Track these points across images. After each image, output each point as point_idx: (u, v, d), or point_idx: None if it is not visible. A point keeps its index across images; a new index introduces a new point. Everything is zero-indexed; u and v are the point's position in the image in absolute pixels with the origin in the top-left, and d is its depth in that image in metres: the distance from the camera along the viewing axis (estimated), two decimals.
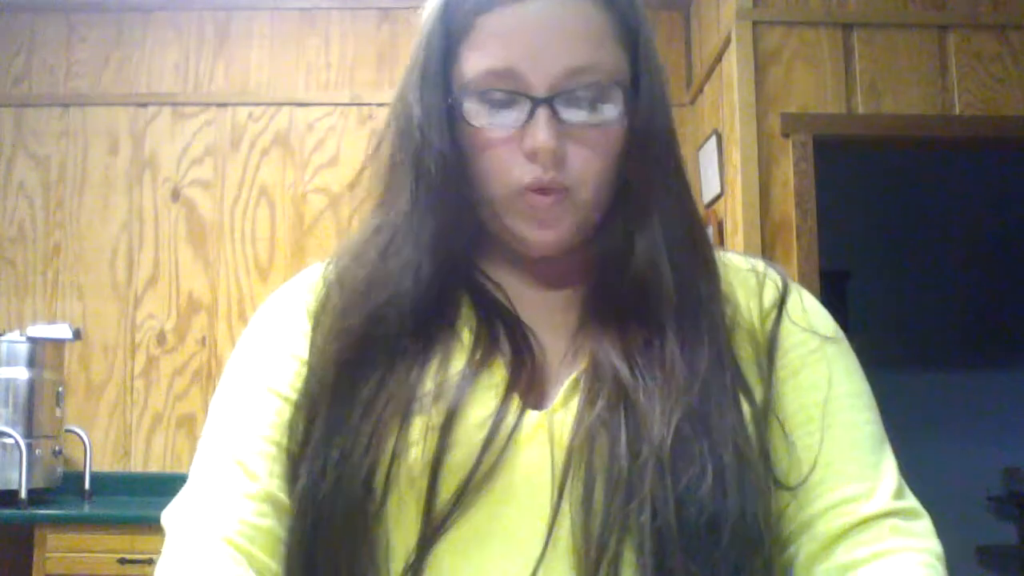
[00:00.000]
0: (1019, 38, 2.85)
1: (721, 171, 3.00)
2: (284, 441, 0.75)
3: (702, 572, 0.67)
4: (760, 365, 0.78)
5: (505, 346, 0.76)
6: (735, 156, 2.84)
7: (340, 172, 3.49)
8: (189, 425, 3.38)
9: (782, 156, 2.78)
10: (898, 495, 0.74)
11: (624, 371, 0.73)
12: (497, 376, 0.75)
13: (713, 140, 3.05)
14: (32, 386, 3.01)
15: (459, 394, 0.72)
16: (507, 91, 0.74)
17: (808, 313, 0.82)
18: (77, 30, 3.56)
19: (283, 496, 0.73)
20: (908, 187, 4.59)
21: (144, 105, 3.52)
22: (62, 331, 3.06)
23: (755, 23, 2.83)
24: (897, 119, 2.80)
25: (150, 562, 2.81)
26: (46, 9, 3.54)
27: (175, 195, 3.49)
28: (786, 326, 0.80)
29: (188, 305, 3.44)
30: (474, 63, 0.75)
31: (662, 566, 0.67)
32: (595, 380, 0.74)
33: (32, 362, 3.03)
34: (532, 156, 0.74)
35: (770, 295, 0.82)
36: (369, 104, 3.51)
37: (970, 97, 2.82)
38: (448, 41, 0.77)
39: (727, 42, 2.91)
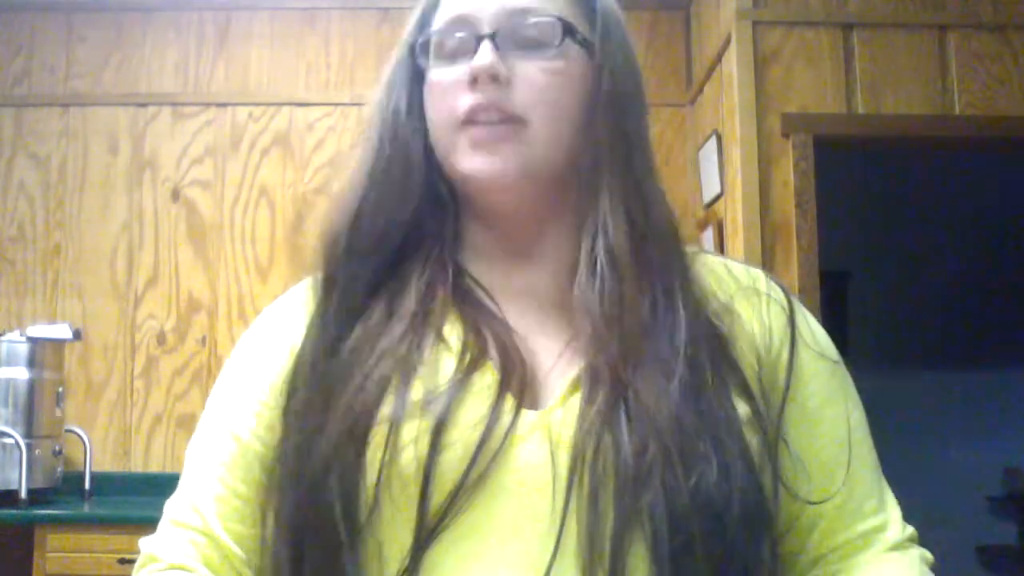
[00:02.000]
0: (1019, 38, 2.85)
1: (721, 171, 3.00)
2: (237, 485, 0.78)
3: (718, 560, 0.68)
4: (764, 382, 0.78)
5: (493, 350, 0.76)
6: (735, 156, 2.84)
7: (340, 172, 3.48)
8: (189, 425, 3.37)
9: (782, 156, 2.78)
10: (903, 522, 0.82)
11: (620, 370, 0.73)
12: (488, 378, 0.74)
13: (713, 140, 3.05)
14: (32, 386, 3.01)
15: (450, 397, 0.72)
16: (456, 33, 0.80)
17: (815, 334, 0.84)
18: (77, 30, 3.56)
19: (224, 535, 0.77)
20: (908, 187, 4.59)
21: (144, 105, 3.52)
22: (62, 331, 3.07)
23: (755, 23, 2.83)
24: (897, 119, 2.80)
25: None
26: (46, 9, 3.54)
27: (175, 195, 3.49)
28: (801, 353, 0.81)
29: (188, 305, 3.44)
30: (435, 23, 0.82)
31: (678, 558, 0.67)
32: (593, 381, 0.74)
33: (32, 362, 3.03)
34: (474, 83, 0.77)
35: (777, 316, 0.82)
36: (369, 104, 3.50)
37: (970, 97, 2.82)
38: (422, 22, 0.84)
39: (727, 42, 2.91)
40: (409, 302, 0.78)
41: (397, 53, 0.86)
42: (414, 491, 0.70)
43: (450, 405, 0.71)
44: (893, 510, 0.81)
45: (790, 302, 0.83)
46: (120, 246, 3.46)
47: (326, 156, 3.51)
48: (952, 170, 4.45)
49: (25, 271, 3.46)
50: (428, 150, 0.82)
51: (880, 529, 0.79)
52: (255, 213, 3.48)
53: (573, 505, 0.69)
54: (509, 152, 0.77)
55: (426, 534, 0.69)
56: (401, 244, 0.81)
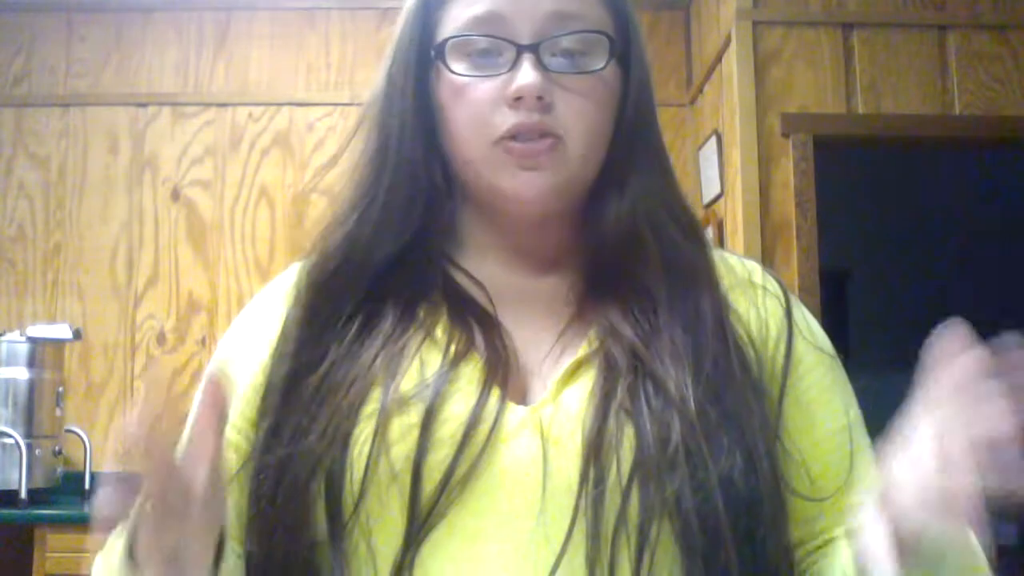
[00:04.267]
0: (1019, 38, 2.85)
1: (721, 171, 3.00)
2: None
3: (749, 554, 0.67)
4: (761, 376, 0.77)
5: (480, 342, 0.75)
6: (735, 156, 2.84)
7: (340, 172, 3.49)
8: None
9: (782, 156, 2.79)
10: None
11: (640, 357, 0.72)
12: (475, 372, 0.73)
13: (713, 140, 3.05)
14: (32, 386, 3.01)
15: (436, 391, 0.71)
16: (490, 37, 0.74)
17: (812, 328, 0.82)
18: (77, 30, 3.56)
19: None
20: (908, 187, 4.59)
21: (144, 105, 3.52)
22: (62, 331, 3.06)
23: (755, 23, 2.83)
24: (897, 119, 2.80)
25: None
26: (46, 9, 3.54)
27: (175, 195, 3.49)
28: (798, 346, 0.79)
29: (188, 305, 3.44)
30: (456, 16, 0.75)
31: (709, 551, 0.66)
32: (609, 368, 0.72)
33: (32, 362, 3.03)
34: (516, 102, 0.73)
35: (773, 309, 0.81)
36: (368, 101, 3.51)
37: (970, 97, 2.82)
38: (427, 9, 0.78)
39: (727, 42, 2.91)
40: (385, 323, 0.76)
41: (397, 42, 0.80)
42: (402, 489, 0.68)
43: (435, 400, 0.70)
44: None
45: (786, 295, 0.82)
46: (120, 246, 3.46)
47: (326, 156, 3.50)
48: (952, 170, 4.45)
49: (25, 271, 3.46)
50: (429, 148, 0.78)
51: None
52: (255, 213, 3.48)
53: (586, 499, 0.67)
54: (550, 169, 0.74)
55: (416, 532, 0.68)
56: (394, 259, 0.78)
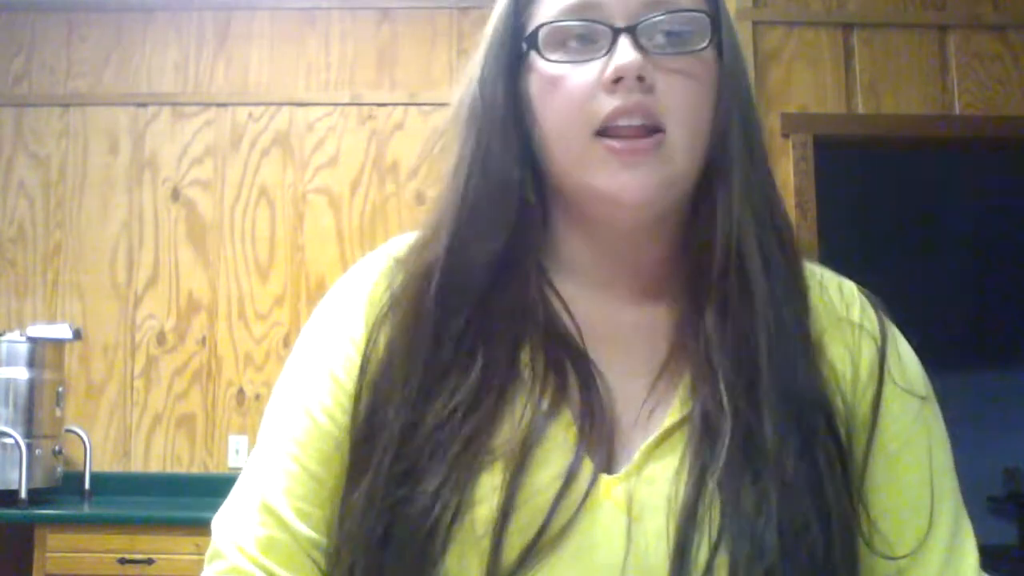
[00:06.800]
0: (1019, 38, 2.86)
1: None
2: (309, 464, 0.74)
3: None
4: (848, 425, 0.73)
5: (574, 394, 0.72)
6: None
7: (340, 172, 3.49)
8: (189, 425, 3.38)
9: (782, 156, 2.79)
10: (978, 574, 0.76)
11: (744, 449, 0.69)
12: (566, 431, 0.71)
13: None
14: (32, 386, 3.01)
15: (526, 450, 0.69)
16: (585, 21, 0.70)
17: (905, 368, 0.77)
18: (77, 30, 3.56)
19: (292, 518, 0.72)
20: (908, 187, 4.59)
21: (144, 105, 3.52)
22: (62, 331, 3.07)
23: (755, 23, 2.83)
24: (897, 119, 2.80)
25: (150, 562, 2.82)
26: (46, 9, 3.54)
27: (175, 195, 3.49)
28: (887, 392, 0.75)
29: (188, 305, 3.44)
30: (548, 6, 0.72)
31: None
32: (696, 453, 0.69)
33: (32, 362, 3.03)
34: (615, 84, 0.69)
35: (867, 350, 0.76)
36: (369, 104, 3.51)
37: (970, 97, 2.82)
38: (517, 7, 0.75)
39: None
40: (478, 367, 0.72)
41: (488, 42, 0.76)
42: (482, 553, 0.67)
43: (526, 459, 0.68)
44: (968, 559, 0.76)
45: (883, 332, 0.77)
46: (120, 246, 3.47)
47: (326, 156, 3.51)
48: (952, 170, 4.45)
49: (25, 271, 3.46)
50: (522, 159, 0.74)
51: None
52: (255, 213, 3.48)
53: None
54: (652, 166, 0.69)
55: None
56: (491, 279, 0.73)
